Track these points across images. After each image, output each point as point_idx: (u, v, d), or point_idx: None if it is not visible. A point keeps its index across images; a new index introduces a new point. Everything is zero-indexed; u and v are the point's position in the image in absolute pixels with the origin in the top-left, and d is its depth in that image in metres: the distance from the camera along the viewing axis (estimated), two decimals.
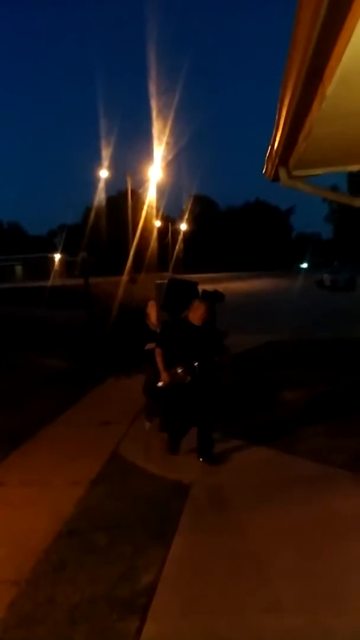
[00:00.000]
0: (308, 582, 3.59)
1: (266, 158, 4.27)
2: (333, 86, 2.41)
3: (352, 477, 5.12)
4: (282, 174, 4.32)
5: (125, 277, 21.44)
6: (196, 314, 5.73)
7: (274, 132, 3.57)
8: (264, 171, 4.58)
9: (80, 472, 5.64)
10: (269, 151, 4.06)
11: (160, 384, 5.94)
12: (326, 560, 3.83)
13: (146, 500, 4.94)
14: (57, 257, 61.76)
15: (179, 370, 5.62)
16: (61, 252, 61.82)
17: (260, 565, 3.83)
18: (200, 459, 5.70)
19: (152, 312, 6.63)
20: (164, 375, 5.83)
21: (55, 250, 62.94)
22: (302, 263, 66.42)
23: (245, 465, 5.40)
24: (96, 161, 70.89)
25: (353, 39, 1.96)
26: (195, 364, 5.58)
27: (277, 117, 3.27)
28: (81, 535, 4.37)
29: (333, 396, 8.06)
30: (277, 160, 4.09)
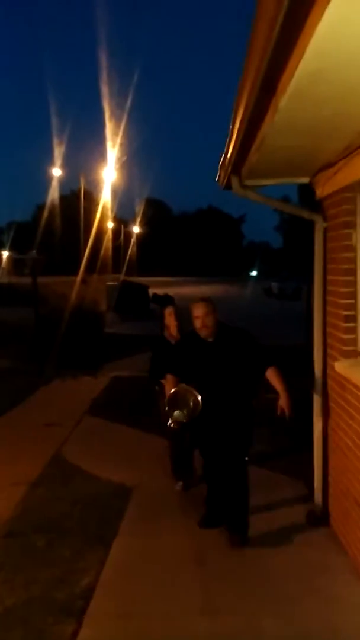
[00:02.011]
0: (245, 585, 3.64)
1: (219, 166, 4.33)
2: (285, 100, 2.47)
3: (290, 480, 5.24)
4: (235, 182, 4.39)
5: (77, 278, 21.11)
6: (195, 323, 4.05)
7: (227, 141, 3.62)
8: (217, 178, 4.64)
9: (22, 474, 5.53)
10: (222, 159, 4.11)
11: (169, 423, 4.05)
12: (263, 564, 3.90)
13: (88, 502, 4.89)
14: (5, 254, 60.43)
15: (169, 422, 3.94)
16: (9, 250, 60.51)
17: (199, 569, 3.85)
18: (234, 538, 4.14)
19: (172, 323, 5.04)
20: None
21: (2, 248, 61.55)
22: (251, 271, 67.67)
23: None
24: (48, 160, 69.99)
25: (306, 55, 2.02)
26: (198, 398, 3.86)
27: (230, 127, 3.32)
28: (20, 537, 4.29)
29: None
30: (229, 169, 4.15)
